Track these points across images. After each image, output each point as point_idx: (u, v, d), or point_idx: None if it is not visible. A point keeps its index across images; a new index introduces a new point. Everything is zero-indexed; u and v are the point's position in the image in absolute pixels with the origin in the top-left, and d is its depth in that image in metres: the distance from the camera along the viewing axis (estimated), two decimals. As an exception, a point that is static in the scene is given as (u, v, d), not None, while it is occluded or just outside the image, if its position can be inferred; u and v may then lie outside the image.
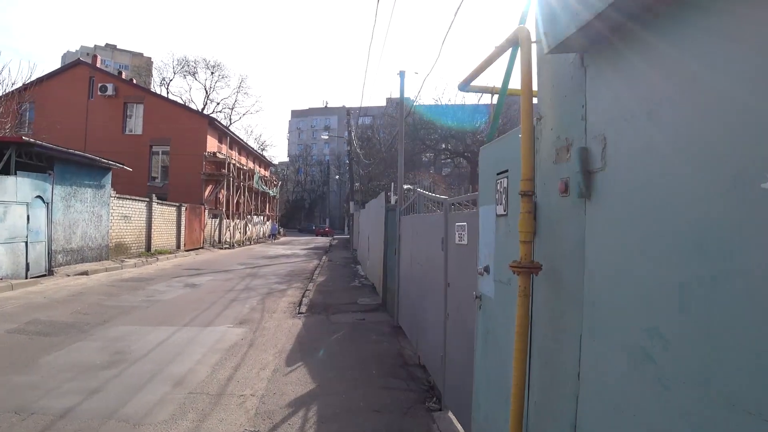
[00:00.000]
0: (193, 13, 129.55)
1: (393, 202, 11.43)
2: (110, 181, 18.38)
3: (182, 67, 62.62)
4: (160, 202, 23.26)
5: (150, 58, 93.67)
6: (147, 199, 21.84)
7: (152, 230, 22.09)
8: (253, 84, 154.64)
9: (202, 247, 29.09)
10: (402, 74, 10.17)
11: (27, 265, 13.75)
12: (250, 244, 38.97)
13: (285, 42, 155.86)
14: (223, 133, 35.48)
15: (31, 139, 13.89)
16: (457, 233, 4.53)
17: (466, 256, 4.27)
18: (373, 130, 49.39)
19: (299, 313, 10.20)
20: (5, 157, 13.12)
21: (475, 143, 37.97)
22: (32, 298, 11.28)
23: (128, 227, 20.17)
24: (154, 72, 67.43)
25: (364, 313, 10.35)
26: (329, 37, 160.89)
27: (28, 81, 22.10)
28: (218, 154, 32.87)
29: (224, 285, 13.99)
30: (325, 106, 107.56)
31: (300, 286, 14.05)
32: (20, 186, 13.48)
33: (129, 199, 20.17)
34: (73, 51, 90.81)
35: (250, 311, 10.41)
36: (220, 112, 65.17)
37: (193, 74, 63.28)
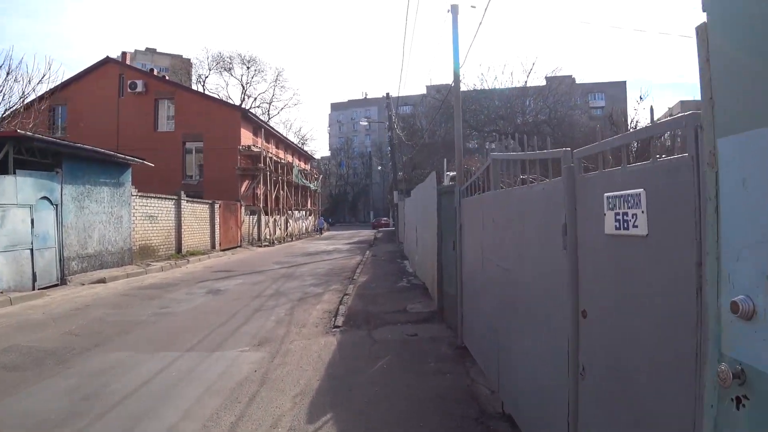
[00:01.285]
0: (227, 8, 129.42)
1: (448, 182, 9.30)
2: (130, 178, 16.81)
3: (217, 64, 61.69)
4: (190, 199, 21.70)
5: (189, 60, 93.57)
6: (175, 197, 20.28)
7: (182, 230, 20.55)
8: (290, 77, 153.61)
9: (240, 246, 27.56)
10: (454, 9, 7.85)
11: (34, 275, 12.19)
12: (292, 240, 37.43)
13: (320, 34, 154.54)
14: (258, 126, 33.91)
15: (29, 133, 12.30)
16: (611, 214, 2.29)
17: (641, 262, 2.04)
18: (414, 117, 47.02)
19: (334, 327, 8.09)
20: (0, 155, 11.55)
21: (525, 124, 35.16)
22: (29, 314, 9.63)
23: (155, 228, 18.64)
24: (180, 62, 66.85)
25: (416, 324, 8.15)
26: (365, 27, 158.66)
27: (50, 79, 20.76)
28: (253, 148, 31.28)
29: (252, 290, 12.07)
30: (365, 98, 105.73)
31: (339, 288, 11.97)
32: (21, 186, 11.91)
33: (154, 197, 18.62)
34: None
35: (275, 325, 8.39)
36: (257, 107, 64.09)
37: (229, 70, 62.14)
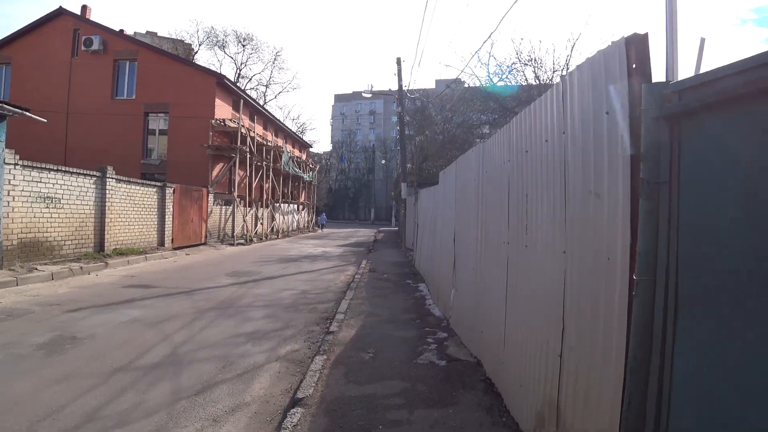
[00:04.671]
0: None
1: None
2: (4, 137, 10.95)
3: (209, 38, 55.93)
4: (125, 179, 15.83)
5: (191, 45, 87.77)
6: (97, 174, 14.41)
7: (107, 220, 14.68)
8: (289, 59, 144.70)
9: (204, 243, 21.69)
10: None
11: None
12: (277, 237, 31.51)
13: (325, 18, 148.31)
14: (241, 99, 27.93)
15: None
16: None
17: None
18: (425, 101, 41.09)
19: None
20: None
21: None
22: None
23: (56, 215, 12.78)
24: (181, 48, 60.93)
25: None
26: (373, 15, 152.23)
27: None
28: (229, 123, 25.32)
29: (125, 348, 6.12)
30: (371, 89, 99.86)
31: (294, 360, 5.97)
32: None
33: (55, 171, 12.74)
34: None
35: None
36: (253, 89, 58.36)
37: (222, 47, 56.36)
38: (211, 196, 22.83)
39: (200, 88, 25.26)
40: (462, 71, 57.04)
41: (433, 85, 56.45)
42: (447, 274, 7.89)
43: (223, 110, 26.06)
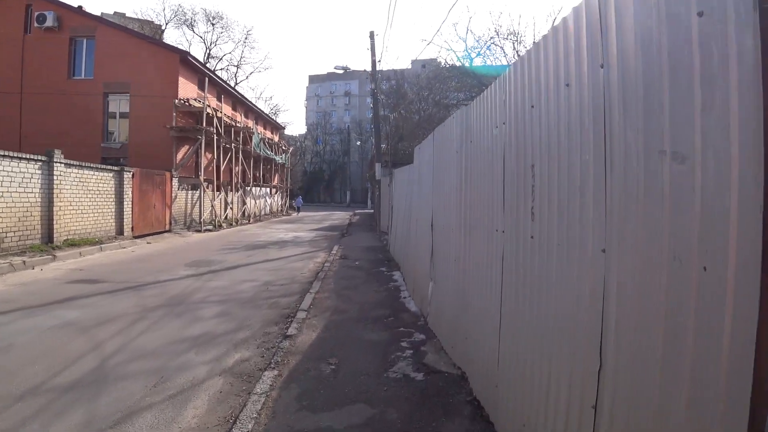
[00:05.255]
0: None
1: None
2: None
3: (176, 16, 53.84)
4: (76, 164, 14.66)
5: (160, 26, 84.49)
6: (43, 158, 13.25)
7: (55, 208, 13.56)
8: (261, 39, 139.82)
9: (168, 230, 20.59)
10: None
11: None
12: (249, 222, 30.42)
13: (300, 4, 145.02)
14: (207, 77, 26.57)
15: None
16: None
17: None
18: (400, 80, 40.08)
19: None
20: None
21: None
22: None
23: (-5, 204, 11.67)
24: (149, 28, 58.55)
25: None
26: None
27: None
28: (194, 102, 24.02)
29: (33, 371, 5.16)
30: (345, 71, 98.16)
31: (242, 373, 5.00)
32: None
33: (-9, 154, 11.59)
34: None
35: None
36: (223, 69, 56.53)
37: (191, 26, 54.29)
38: (175, 181, 21.67)
39: (163, 67, 23.88)
40: (438, 46, 55.90)
41: (409, 66, 55.50)
42: (424, 264, 7.04)
43: (187, 89, 24.74)
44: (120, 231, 17.15)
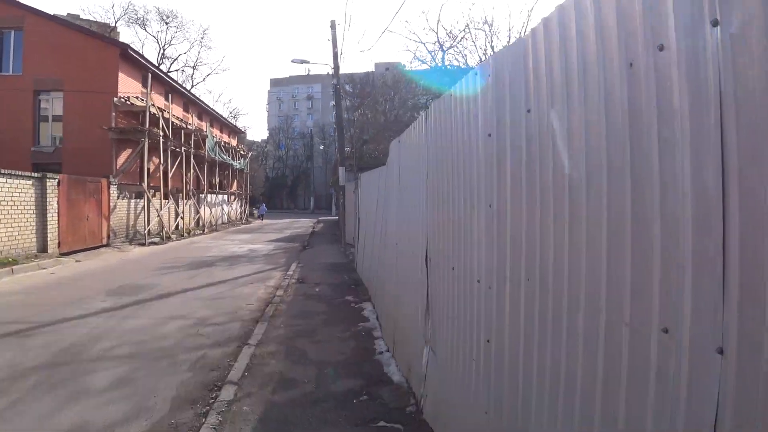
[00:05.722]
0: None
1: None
2: None
3: (126, 14, 50.95)
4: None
5: (116, 28, 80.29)
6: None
7: (-50, 224, 11.19)
8: (218, 39, 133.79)
9: (106, 245, 18.18)
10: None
11: None
12: (202, 232, 27.96)
13: (259, 3, 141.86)
14: (150, 72, 24.08)
15: None
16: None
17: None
18: (366, 82, 38.29)
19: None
20: None
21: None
22: None
23: None
24: (104, 30, 55.25)
25: None
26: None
27: None
28: (135, 100, 21.58)
29: None
30: (308, 74, 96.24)
31: None
32: None
33: None
34: None
35: None
36: (179, 70, 53.80)
37: (143, 25, 51.31)
38: (114, 188, 19.26)
39: (101, 61, 21.43)
40: (406, 38, 54.42)
41: (372, 69, 53.91)
42: (412, 314, 4.94)
43: (129, 86, 22.32)
44: (43, 248, 14.74)
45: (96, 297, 9.42)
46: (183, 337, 6.87)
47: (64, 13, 69.83)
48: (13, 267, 12.40)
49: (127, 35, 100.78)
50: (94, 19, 50.29)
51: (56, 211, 15.26)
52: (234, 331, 7.14)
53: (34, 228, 14.46)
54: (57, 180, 15.35)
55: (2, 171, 13.25)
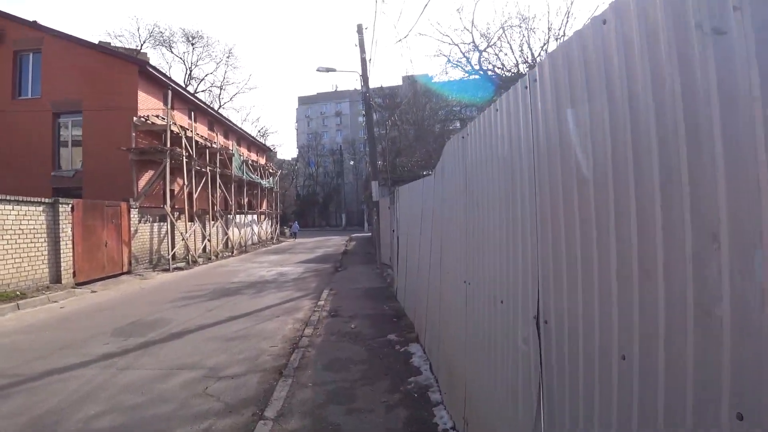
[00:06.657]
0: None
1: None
2: None
3: (152, 36, 51.02)
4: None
5: (146, 54, 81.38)
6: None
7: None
8: (244, 57, 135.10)
9: (127, 272, 17.08)
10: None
11: None
12: (231, 254, 26.80)
13: (280, 17, 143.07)
14: (174, 92, 23.18)
15: None
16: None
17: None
18: (394, 95, 37.04)
19: None
20: None
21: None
22: None
23: None
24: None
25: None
26: (335, 14, 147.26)
27: None
28: (155, 119, 20.60)
29: None
30: (335, 90, 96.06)
31: None
32: None
33: None
34: None
35: None
36: (206, 91, 53.55)
37: (169, 47, 51.27)
38: (134, 212, 18.21)
39: (119, 79, 20.60)
40: (439, 41, 53.00)
41: (400, 82, 52.73)
42: (502, 398, 3.16)
43: (149, 104, 21.43)
44: (56, 278, 13.63)
45: (99, 338, 8.06)
46: (187, 397, 5.38)
47: (95, 42, 70.66)
48: (20, 301, 11.23)
49: (154, 58, 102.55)
50: (122, 45, 50.52)
51: (70, 238, 14.17)
52: (251, 389, 5.59)
53: (46, 257, 13.37)
54: (70, 205, 14.28)
55: (8, 198, 12.19)
